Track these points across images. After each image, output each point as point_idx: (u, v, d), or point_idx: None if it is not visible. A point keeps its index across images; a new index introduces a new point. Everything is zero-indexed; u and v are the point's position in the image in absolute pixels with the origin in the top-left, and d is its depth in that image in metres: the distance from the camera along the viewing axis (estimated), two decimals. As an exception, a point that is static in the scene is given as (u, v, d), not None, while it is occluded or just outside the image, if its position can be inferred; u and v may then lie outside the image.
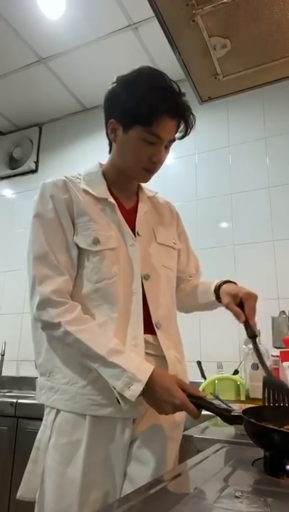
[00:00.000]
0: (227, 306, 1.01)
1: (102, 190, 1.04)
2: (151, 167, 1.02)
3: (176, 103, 0.98)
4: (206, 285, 1.14)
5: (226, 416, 0.83)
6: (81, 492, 0.86)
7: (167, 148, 1.03)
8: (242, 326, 1.00)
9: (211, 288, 1.10)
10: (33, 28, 2.33)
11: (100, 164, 1.12)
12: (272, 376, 0.96)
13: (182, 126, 1.03)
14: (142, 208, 1.10)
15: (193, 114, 1.03)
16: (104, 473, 0.90)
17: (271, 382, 0.90)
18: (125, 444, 0.92)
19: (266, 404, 0.88)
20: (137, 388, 0.83)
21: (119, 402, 0.85)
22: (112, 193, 1.05)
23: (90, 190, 1.03)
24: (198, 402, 0.84)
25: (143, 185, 1.17)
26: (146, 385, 0.83)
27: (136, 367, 0.86)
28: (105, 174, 1.09)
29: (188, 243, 1.25)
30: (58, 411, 0.93)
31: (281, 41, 1.19)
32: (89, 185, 1.04)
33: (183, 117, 1.01)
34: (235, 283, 1.08)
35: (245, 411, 0.79)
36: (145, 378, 0.84)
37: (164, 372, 0.92)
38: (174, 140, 1.03)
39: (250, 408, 0.81)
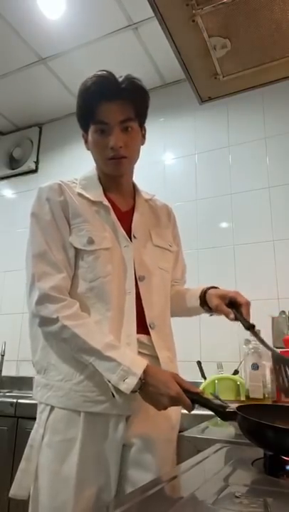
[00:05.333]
0: (216, 308, 1.04)
1: (97, 194, 1.06)
2: (113, 154, 1.02)
3: (109, 87, 1.00)
4: (191, 291, 1.16)
5: (221, 412, 0.83)
6: (76, 489, 0.87)
7: (126, 131, 1.02)
8: (242, 326, 1.01)
9: (196, 294, 1.12)
10: (33, 28, 2.33)
11: (96, 168, 1.14)
12: (279, 354, 0.98)
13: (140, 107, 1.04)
14: (138, 211, 1.12)
15: (144, 90, 1.04)
16: (98, 470, 0.91)
17: (280, 358, 0.93)
18: (118, 440, 0.93)
19: (279, 379, 0.91)
20: (131, 382, 0.84)
21: (114, 395, 0.86)
22: (107, 197, 1.07)
23: (85, 194, 1.05)
24: (193, 398, 0.85)
25: (140, 188, 1.19)
26: (141, 378, 0.85)
27: (131, 361, 0.87)
28: (100, 179, 1.11)
29: (180, 248, 1.26)
30: (52, 408, 0.94)
31: (281, 41, 1.19)
32: (85, 189, 1.06)
33: (125, 96, 1.01)
34: (218, 287, 1.12)
35: (240, 407, 0.79)
36: (140, 372, 0.85)
37: (158, 367, 0.94)
38: (127, 120, 1.02)
39: (245, 405, 0.82)
